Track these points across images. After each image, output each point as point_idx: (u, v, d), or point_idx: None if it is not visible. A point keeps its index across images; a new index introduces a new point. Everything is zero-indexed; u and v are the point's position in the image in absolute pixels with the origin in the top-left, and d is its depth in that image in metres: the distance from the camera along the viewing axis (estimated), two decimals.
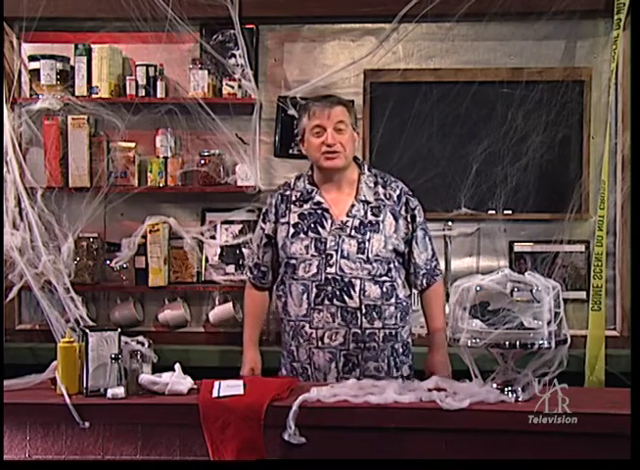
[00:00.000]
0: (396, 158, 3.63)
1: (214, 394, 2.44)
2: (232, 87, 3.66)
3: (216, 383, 2.51)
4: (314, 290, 2.87)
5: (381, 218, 2.91)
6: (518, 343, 2.36)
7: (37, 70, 3.65)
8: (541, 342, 2.35)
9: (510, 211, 3.65)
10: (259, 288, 3.11)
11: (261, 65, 3.77)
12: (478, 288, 2.42)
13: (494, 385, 2.43)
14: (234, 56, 3.70)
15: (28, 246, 3.41)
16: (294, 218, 2.95)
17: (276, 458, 2.35)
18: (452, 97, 3.63)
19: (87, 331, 2.52)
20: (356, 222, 2.90)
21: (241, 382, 2.53)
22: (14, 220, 3.50)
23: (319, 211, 2.93)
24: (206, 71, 3.65)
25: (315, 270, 2.87)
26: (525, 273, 2.45)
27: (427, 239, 3.00)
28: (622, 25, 3.49)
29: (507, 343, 2.36)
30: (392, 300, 2.91)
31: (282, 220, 2.98)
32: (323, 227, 2.90)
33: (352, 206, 2.92)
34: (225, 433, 2.36)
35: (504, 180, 3.55)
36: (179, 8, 3.54)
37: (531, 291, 2.38)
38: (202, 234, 3.75)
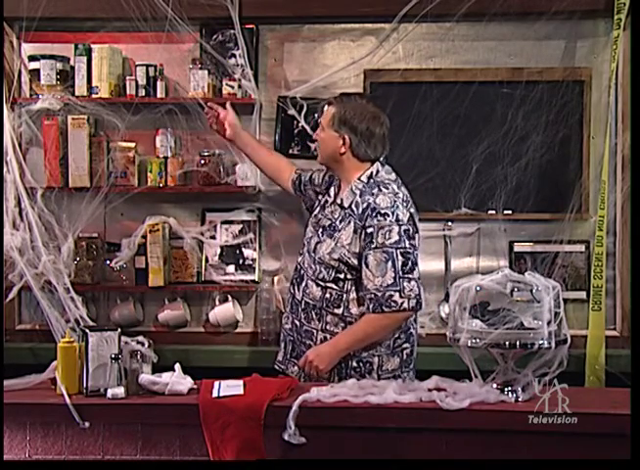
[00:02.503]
0: (396, 158, 3.63)
1: (214, 394, 2.44)
2: (232, 87, 3.66)
3: (216, 383, 2.51)
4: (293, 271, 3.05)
5: (342, 226, 2.86)
6: (518, 343, 2.36)
7: (37, 70, 3.65)
8: (541, 342, 2.35)
9: (510, 211, 3.65)
10: (289, 165, 3.37)
11: (261, 65, 3.76)
12: (478, 288, 2.42)
13: (494, 385, 2.43)
14: (234, 56, 3.70)
15: (28, 246, 3.41)
16: (319, 201, 3.08)
17: (276, 458, 2.35)
18: (452, 97, 3.63)
19: (87, 331, 2.53)
20: (326, 222, 2.94)
21: (241, 382, 2.53)
22: (14, 220, 3.50)
23: (323, 202, 3.04)
24: (206, 71, 3.64)
25: (300, 252, 3.04)
26: (525, 273, 2.45)
27: (388, 264, 2.72)
28: (622, 25, 3.49)
29: (507, 343, 2.37)
30: (338, 310, 2.85)
31: (319, 192, 3.14)
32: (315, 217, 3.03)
33: (328, 206, 2.97)
34: (225, 433, 2.36)
35: (504, 180, 3.55)
36: (179, 8, 3.53)
37: (531, 291, 2.39)
38: (202, 234, 3.75)
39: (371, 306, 2.77)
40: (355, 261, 2.81)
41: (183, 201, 3.79)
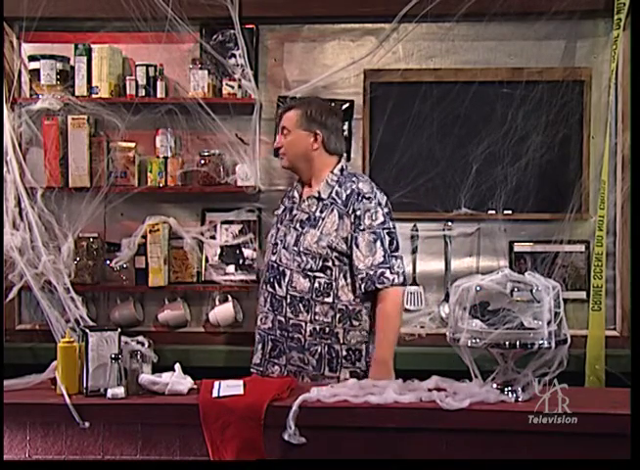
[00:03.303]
0: (396, 158, 3.63)
1: (214, 394, 2.44)
2: (232, 87, 3.66)
3: (216, 383, 2.51)
4: (264, 274, 3.07)
5: (324, 215, 2.96)
6: (518, 343, 2.36)
7: (37, 70, 3.65)
8: (541, 342, 2.35)
9: (510, 211, 3.65)
10: None
11: (261, 65, 3.77)
12: (478, 288, 2.42)
13: (494, 385, 2.43)
14: (234, 56, 3.70)
15: (28, 246, 3.41)
16: (278, 211, 3.16)
17: (276, 458, 2.35)
18: (452, 97, 3.63)
19: (87, 331, 2.52)
20: (303, 216, 3.00)
21: (241, 382, 2.53)
22: (14, 220, 3.50)
23: (290, 206, 3.09)
24: (206, 71, 3.64)
25: (268, 257, 3.07)
26: (525, 273, 2.45)
27: (377, 244, 2.88)
28: (622, 25, 3.49)
29: (507, 343, 2.36)
30: (328, 298, 2.92)
31: (276, 213, 3.19)
32: (285, 219, 3.07)
33: (304, 201, 3.03)
34: (225, 433, 2.36)
35: (504, 180, 3.55)
36: (179, 8, 3.54)
37: (531, 291, 2.38)
38: (202, 234, 3.75)
39: (363, 286, 2.90)
40: (344, 246, 2.92)
41: (183, 201, 3.79)
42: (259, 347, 3.04)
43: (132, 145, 3.69)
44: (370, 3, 3.59)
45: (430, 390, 2.45)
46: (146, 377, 2.50)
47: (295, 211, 3.04)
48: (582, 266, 3.68)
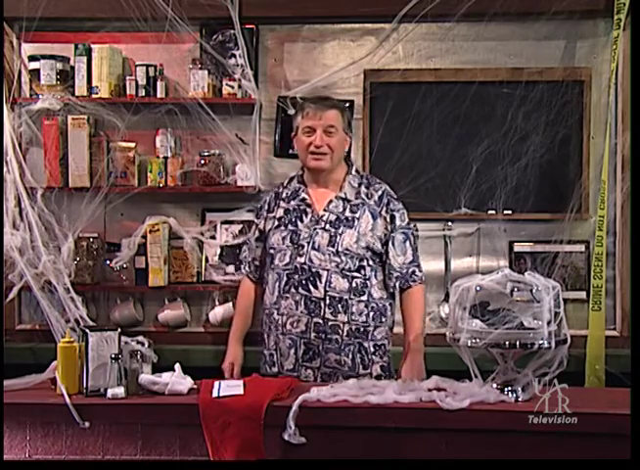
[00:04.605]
0: (396, 158, 3.63)
1: (214, 394, 2.44)
2: (232, 87, 3.66)
3: (216, 383, 2.51)
4: (284, 278, 2.98)
5: (357, 215, 2.98)
6: (518, 343, 2.36)
7: (37, 70, 3.65)
8: (541, 342, 2.35)
9: (510, 211, 3.65)
10: (253, 281, 3.23)
11: (261, 65, 3.77)
12: (478, 288, 2.43)
13: (494, 385, 2.43)
14: (234, 56, 3.70)
15: (28, 246, 3.41)
16: (279, 213, 3.08)
17: (276, 458, 2.35)
18: (452, 97, 3.63)
19: (87, 331, 2.53)
20: (332, 217, 2.99)
21: (241, 382, 2.53)
22: (14, 220, 3.50)
23: (302, 207, 3.04)
24: (206, 71, 3.64)
25: (288, 260, 2.98)
26: (525, 273, 2.45)
27: (407, 243, 3.02)
28: (622, 25, 3.49)
29: (507, 343, 2.37)
30: (364, 297, 2.96)
31: (270, 215, 3.11)
32: (302, 221, 3.02)
33: (330, 201, 3.01)
34: (225, 433, 2.36)
35: (504, 180, 3.55)
36: (179, 8, 3.54)
37: (531, 291, 2.38)
38: (202, 234, 3.75)
39: (397, 283, 3.02)
40: (379, 245, 2.99)
41: (183, 201, 3.79)
42: (291, 352, 2.96)
43: (132, 145, 3.69)
44: (370, 3, 3.59)
45: (430, 390, 2.45)
46: (146, 377, 2.51)
47: (314, 213, 3.00)
48: (582, 266, 3.68)
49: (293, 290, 2.96)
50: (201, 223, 3.80)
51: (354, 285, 2.95)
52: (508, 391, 2.41)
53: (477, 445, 2.34)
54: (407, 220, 3.06)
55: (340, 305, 2.93)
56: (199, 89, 3.64)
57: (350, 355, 2.95)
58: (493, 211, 3.63)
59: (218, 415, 2.37)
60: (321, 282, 2.93)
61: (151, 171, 3.68)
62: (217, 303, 3.74)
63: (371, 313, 2.98)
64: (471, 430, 2.33)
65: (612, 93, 3.58)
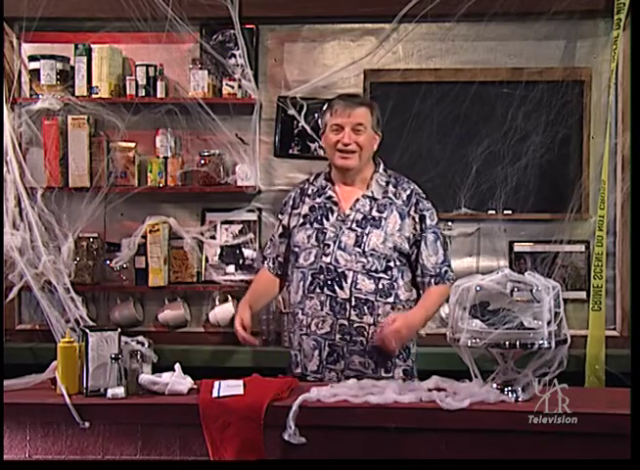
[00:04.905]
0: (396, 158, 3.63)
1: (214, 394, 2.44)
2: (232, 87, 3.66)
3: (216, 383, 2.51)
4: (309, 278, 2.91)
5: (385, 215, 2.92)
6: (518, 343, 2.36)
7: (37, 70, 3.65)
8: (541, 342, 2.35)
9: (510, 211, 3.65)
10: (274, 275, 3.14)
11: (261, 65, 3.77)
12: (478, 288, 2.42)
13: (494, 385, 2.43)
14: (234, 56, 3.70)
15: (28, 246, 3.41)
16: (305, 210, 3.00)
17: (276, 458, 2.35)
18: (452, 97, 3.63)
19: (87, 331, 2.52)
20: (359, 216, 2.92)
21: (241, 382, 2.53)
22: (14, 220, 3.50)
23: (328, 205, 2.97)
24: (206, 71, 3.65)
25: (313, 259, 2.92)
26: (525, 273, 2.45)
27: (438, 243, 2.96)
28: (622, 25, 3.49)
29: (507, 343, 2.36)
30: (390, 298, 2.90)
31: (295, 212, 3.03)
32: (327, 219, 2.95)
33: (357, 200, 2.94)
34: (225, 433, 2.36)
35: (504, 180, 3.56)
36: (179, 8, 3.54)
37: (531, 291, 2.38)
38: (202, 234, 3.75)
39: (433, 281, 2.95)
40: (406, 246, 2.93)
41: (183, 201, 3.79)
42: (315, 353, 2.90)
43: (132, 145, 3.69)
44: (370, 3, 3.59)
45: (430, 390, 2.45)
46: (146, 377, 2.50)
47: (340, 211, 2.94)
48: (582, 266, 3.68)
49: (318, 290, 2.89)
50: (201, 223, 3.80)
51: (381, 286, 2.88)
52: (508, 391, 2.41)
53: (477, 445, 2.33)
54: (437, 220, 3.01)
55: (365, 307, 2.86)
56: (199, 89, 3.64)
57: (375, 358, 2.88)
58: (493, 211, 3.63)
59: (218, 415, 2.37)
60: (347, 283, 2.87)
61: (151, 171, 3.68)
62: (217, 303, 3.74)
63: None
64: (471, 430, 2.33)
65: (612, 93, 3.58)
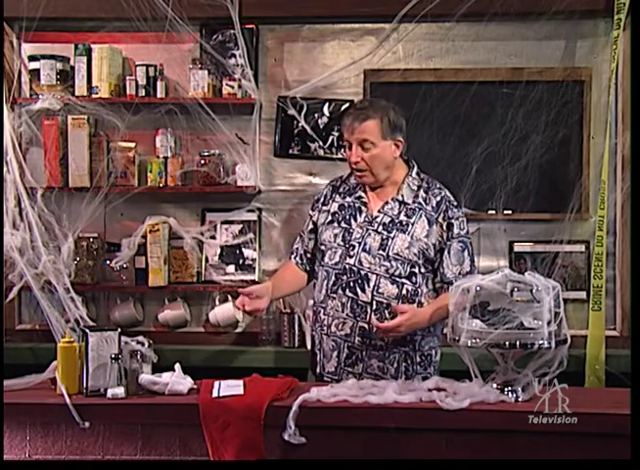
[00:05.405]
0: None
1: (214, 394, 2.44)
2: (232, 87, 3.66)
3: (216, 383, 2.51)
4: (332, 278, 2.87)
5: (413, 220, 2.86)
6: (518, 343, 2.36)
7: (37, 70, 3.65)
8: (541, 342, 2.35)
9: (510, 211, 3.65)
10: (300, 269, 3.08)
11: (261, 65, 3.77)
12: (478, 288, 2.42)
13: (494, 385, 2.43)
14: (234, 56, 3.70)
15: (28, 246, 3.41)
16: (334, 208, 2.96)
17: (276, 458, 2.35)
18: (452, 97, 3.63)
19: (87, 331, 2.52)
20: (386, 219, 2.87)
21: (241, 382, 2.53)
22: (14, 220, 3.50)
23: (357, 205, 2.93)
24: (206, 71, 3.65)
25: (337, 259, 2.87)
26: (525, 273, 2.45)
27: (465, 253, 2.87)
28: (622, 25, 3.49)
29: (507, 343, 2.36)
30: (413, 305, 2.82)
31: (324, 208, 2.98)
32: (355, 220, 2.90)
33: (386, 203, 2.89)
34: (225, 433, 2.36)
35: (504, 180, 3.56)
36: (179, 8, 3.54)
37: (531, 291, 2.38)
38: (202, 234, 3.75)
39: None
40: (432, 253, 2.85)
41: (183, 201, 3.79)
42: (334, 354, 2.87)
43: (132, 145, 3.69)
44: (370, 3, 3.59)
45: (430, 390, 2.45)
46: (146, 377, 2.50)
47: (368, 212, 2.89)
48: (582, 266, 3.68)
49: (340, 291, 2.85)
50: (201, 223, 3.80)
51: (404, 292, 2.82)
52: (508, 391, 2.41)
53: (476, 445, 2.34)
54: (467, 229, 2.91)
55: (387, 312, 2.81)
56: (199, 89, 3.64)
57: (395, 364, 2.84)
58: (493, 211, 3.63)
59: (218, 415, 2.37)
60: (369, 286, 2.82)
61: (151, 171, 3.68)
62: (217, 303, 3.75)
63: None
64: (471, 430, 2.33)
65: (612, 93, 3.58)
